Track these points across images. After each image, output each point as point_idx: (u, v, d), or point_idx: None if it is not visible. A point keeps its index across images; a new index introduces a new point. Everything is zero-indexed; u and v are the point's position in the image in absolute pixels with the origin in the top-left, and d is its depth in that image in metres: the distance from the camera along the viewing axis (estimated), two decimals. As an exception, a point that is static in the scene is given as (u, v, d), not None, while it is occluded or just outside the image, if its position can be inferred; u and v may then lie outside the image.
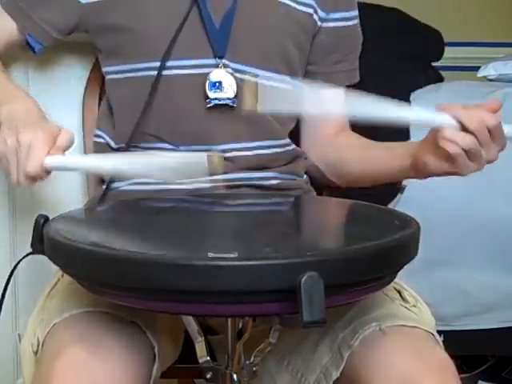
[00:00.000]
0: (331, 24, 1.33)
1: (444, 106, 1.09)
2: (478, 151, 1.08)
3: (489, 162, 1.10)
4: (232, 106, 1.24)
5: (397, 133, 1.85)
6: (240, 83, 1.24)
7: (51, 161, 1.07)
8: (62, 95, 1.49)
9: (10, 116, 1.12)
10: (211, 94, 1.24)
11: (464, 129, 1.07)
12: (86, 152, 1.44)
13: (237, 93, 1.24)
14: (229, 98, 1.24)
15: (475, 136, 1.07)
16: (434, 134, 1.10)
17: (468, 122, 1.07)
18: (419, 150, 1.17)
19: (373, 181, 1.33)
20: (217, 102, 1.24)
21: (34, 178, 1.08)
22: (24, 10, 1.28)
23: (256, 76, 1.23)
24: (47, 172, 1.08)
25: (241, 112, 1.25)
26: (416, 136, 1.88)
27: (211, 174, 1.09)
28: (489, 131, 1.07)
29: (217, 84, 1.24)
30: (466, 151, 1.08)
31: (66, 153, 1.09)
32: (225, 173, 1.24)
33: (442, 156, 1.11)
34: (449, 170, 1.13)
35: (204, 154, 1.07)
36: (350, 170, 1.33)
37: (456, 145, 1.08)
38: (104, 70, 1.32)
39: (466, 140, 1.07)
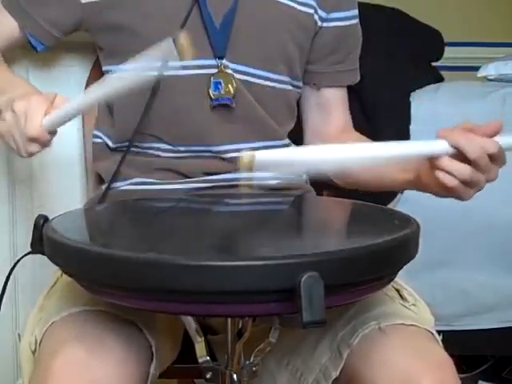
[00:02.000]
0: (331, 24, 1.33)
1: (444, 132, 1.05)
2: (477, 178, 1.05)
3: (489, 181, 1.06)
4: (231, 107, 1.25)
5: (397, 135, 1.86)
6: (240, 84, 1.24)
7: (49, 118, 1.07)
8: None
9: (9, 100, 1.12)
10: (213, 96, 1.24)
11: (463, 157, 1.03)
12: (85, 152, 1.44)
13: (235, 93, 1.24)
14: (228, 98, 1.24)
15: (475, 163, 1.03)
16: (431, 162, 1.07)
17: (468, 150, 1.02)
18: (421, 170, 1.13)
19: (376, 188, 1.32)
20: (218, 102, 1.24)
21: (38, 141, 1.08)
22: (25, 9, 1.28)
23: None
24: (50, 133, 1.08)
25: (240, 112, 1.25)
26: (416, 136, 1.89)
27: (181, 58, 1.06)
28: (489, 157, 1.03)
29: (218, 85, 1.24)
30: (464, 182, 1.05)
31: None
32: (224, 173, 1.24)
33: (442, 185, 1.07)
34: (449, 195, 1.09)
35: (170, 40, 1.01)
36: (352, 175, 1.33)
37: (454, 178, 1.04)
38: (104, 68, 1.32)
39: (463, 172, 1.04)
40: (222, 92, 1.24)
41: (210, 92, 1.24)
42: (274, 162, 1.03)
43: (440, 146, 1.04)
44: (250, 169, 1.01)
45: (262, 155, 0.99)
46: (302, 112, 1.40)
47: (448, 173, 1.04)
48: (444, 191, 1.09)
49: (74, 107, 1.11)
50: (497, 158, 1.04)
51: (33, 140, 1.08)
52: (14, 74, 1.28)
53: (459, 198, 1.09)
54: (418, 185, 1.16)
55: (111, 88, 1.05)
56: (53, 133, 1.09)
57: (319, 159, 1.03)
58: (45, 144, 1.10)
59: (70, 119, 1.11)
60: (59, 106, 1.09)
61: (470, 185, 1.06)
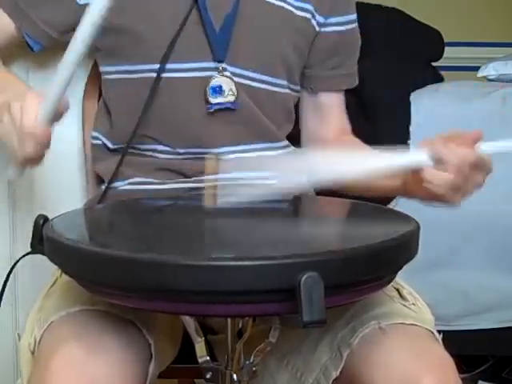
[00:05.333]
0: (329, 29, 1.33)
1: (425, 143, 1.08)
2: (462, 183, 1.07)
3: (476, 188, 1.08)
4: (231, 109, 1.25)
5: (397, 135, 1.86)
6: (239, 87, 1.24)
7: (41, 110, 1.05)
8: (61, 95, 1.49)
9: (4, 103, 1.12)
10: (212, 100, 1.24)
11: (443, 166, 1.06)
12: (85, 153, 1.44)
13: (237, 96, 1.24)
14: (230, 102, 1.24)
15: (458, 172, 1.05)
16: (417, 174, 1.09)
17: (448, 161, 1.05)
18: (407, 180, 1.15)
19: (364, 195, 1.32)
20: (218, 106, 1.24)
21: (36, 138, 1.05)
22: (22, 10, 1.28)
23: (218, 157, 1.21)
24: (47, 123, 1.06)
25: (239, 115, 1.25)
26: (416, 136, 1.89)
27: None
28: (471, 166, 1.06)
29: (217, 89, 1.24)
30: (449, 187, 1.07)
31: None
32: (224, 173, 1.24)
33: (429, 193, 1.09)
34: (438, 202, 1.11)
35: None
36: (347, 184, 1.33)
37: (438, 186, 1.07)
38: (102, 69, 1.32)
39: (449, 181, 1.06)
40: (224, 96, 1.24)
41: (210, 96, 1.24)
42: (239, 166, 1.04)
43: (422, 158, 1.07)
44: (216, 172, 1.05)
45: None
46: (299, 115, 1.40)
47: (432, 183, 1.07)
48: (432, 199, 1.11)
49: (56, 85, 1.07)
50: (479, 166, 1.07)
51: (30, 136, 1.06)
52: (10, 73, 1.28)
53: (446, 204, 1.11)
54: (405, 192, 1.19)
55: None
56: (51, 124, 1.06)
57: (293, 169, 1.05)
58: (43, 141, 1.07)
59: (58, 100, 1.08)
60: None
61: (457, 191, 1.08)
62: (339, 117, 1.40)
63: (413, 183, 1.12)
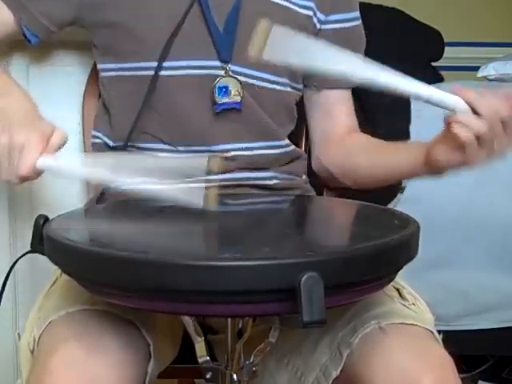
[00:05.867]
0: (330, 26, 1.33)
1: (458, 88, 1.06)
2: (490, 138, 1.05)
3: (499, 152, 1.07)
4: (238, 109, 1.25)
5: (397, 135, 1.86)
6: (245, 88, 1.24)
7: (43, 163, 1.05)
8: (61, 95, 1.49)
9: (5, 112, 1.11)
10: (218, 100, 1.24)
11: (476, 114, 1.05)
12: (85, 151, 1.44)
13: (242, 96, 1.25)
14: (235, 103, 1.24)
15: (487, 122, 1.04)
16: (447, 119, 1.08)
17: (480, 108, 1.04)
18: (431, 144, 1.15)
19: (383, 182, 1.32)
20: (224, 107, 1.24)
21: (25, 179, 1.07)
22: (21, 2, 1.28)
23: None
24: (38, 173, 1.07)
25: (241, 113, 1.25)
26: (416, 137, 1.89)
27: (208, 174, 1.08)
28: (502, 121, 1.05)
29: (224, 89, 1.24)
30: (477, 138, 1.06)
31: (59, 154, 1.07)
32: (224, 172, 1.24)
33: (454, 145, 1.09)
34: (460, 160, 1.10)
35: (205, 159, 1.06)
36: (361, 173, 1.32)
37: (468, 130, 1.05)
38: (99, 66, 1.32)
39: (479, 125, 1.05)
40: (230, 96, 1.24)
41: (216, 96, 1.23)
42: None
43: (456, 101, 1.05)
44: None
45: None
46: (307, 115, 1.40)
47: (464, 125, 1.05)
48: (457, 151, 1.09)
49: (72, 172, 1.09)
50: (508, 126, 1.05)
51: (21, 177, 1.06)
52: (9, 77, 1.27)
53: (469, 162, 1.09)
54: (428, 163, 1.17)
55: (127, 171, 1.03)
56: (41, 173, 1.07)
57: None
58: (28, 180, 1.08)
59: (65, 178, 1.09)
60: (55, 145, 1.06)
61: (482, 144, 1.06)
62: (346, 114, 1.39)
63: (437, 146, 1.12)
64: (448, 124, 1.08)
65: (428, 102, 1.07)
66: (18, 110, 1.13)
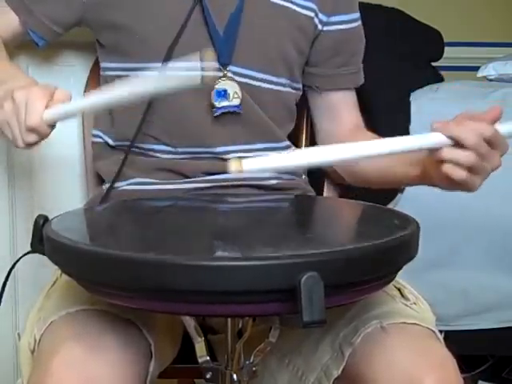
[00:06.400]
0: (332, 27, 1.33)
1: (437, 125, 1.05)
2: (481, 165, 1.04)
3: (493, 169, 1.06)
4: (238, 112, 1.25)
5: (397, 135, 1.85)
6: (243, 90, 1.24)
7: (50, 114, 1.06)
8: (61, 95, 1.49)
9: (6, 84, 1.12)
10: (217, 104, 1.24)
11: (461, 146, 1.03)
12: (85, 152, 1.44)
13: (242, 99, 1.24)
14: (235, 106, 1.24)
15: (475, 150, 1.03)
16: (434, 157, 1.06)
17: (465, 140, 1.03)
18: (426, 164, 1.13)
19: (386, 184, 1.32)
20: (223, 110, 1.24)
21: (36, 133, 1.07)
22: (27, 6, 1.29)
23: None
24: (49, 126, 1.08)
25: (241, 115, 1.25)
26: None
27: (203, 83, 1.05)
28: (487, 142, 1.03)
29: (222, 93, 1.24)
30: (469, 169, 1.04)
31: None
32: (224, 173, 1.24)
33: (449, 177, 1.06)
34: (458, 188, 1.09)
35: (196, 55, 1.02)
36: (366, 173, 1.32)
37: (460, 168, 1.04)
38: (103, 65, 1.32)
39: (468, 157, 1.03)
40: (229, 100, 1.24)
41: (215, 100, 1.23)
42: (261, 169, 1.03)
43: (436, 139, 1.04)
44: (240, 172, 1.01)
45: (250, 164, 0.98)
46: (311, 116, 1.41)
47: (452, 162, 1.04)
48: (451, 183, 1.08)
49: (78, 106, 1.11)
50: (496, 144, 1.04)
51: (32, 130, 1.07)
52: (14, 66, 1.28)
53: (466, 189, 1.08)
54: (425, 179, 1.16)
55: (119, 93, 1.05)
56: (52, 126, 1.09)
57: (310, 161, 1.04)
58: (43, 136, 1.09)
59: (71, 117, 1.10)
60: (59, 100, 1.08)
61: (476, 172, 1.05)
62: (350, 113, 1.39)
63: (432, 168, 1.10)
64: (438, 162, 1.06)
65: (414, 150, 1.08)
66: (19, 79, 1.16)
